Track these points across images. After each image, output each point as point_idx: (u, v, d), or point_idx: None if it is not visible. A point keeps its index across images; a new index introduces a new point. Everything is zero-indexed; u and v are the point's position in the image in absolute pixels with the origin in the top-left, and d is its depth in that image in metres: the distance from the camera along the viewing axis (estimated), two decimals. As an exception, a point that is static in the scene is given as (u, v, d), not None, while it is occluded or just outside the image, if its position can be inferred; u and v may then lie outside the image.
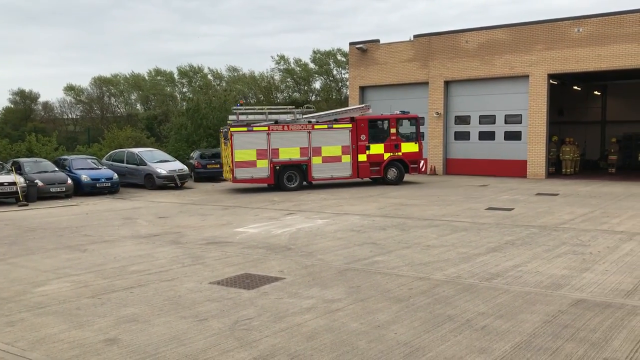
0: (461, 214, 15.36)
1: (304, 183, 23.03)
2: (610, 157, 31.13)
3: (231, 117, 23.07)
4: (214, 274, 8.99)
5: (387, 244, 11.19)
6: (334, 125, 23.27)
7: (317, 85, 58.99)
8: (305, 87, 58.70)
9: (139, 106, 65.07)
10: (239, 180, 21.73)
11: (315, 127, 22.78)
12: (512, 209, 16.27)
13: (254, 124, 22.42)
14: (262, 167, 21.89)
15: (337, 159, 23.00)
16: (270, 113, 23.67)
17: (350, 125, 23.36)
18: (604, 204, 17.29)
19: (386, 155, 23.82)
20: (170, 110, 53.53)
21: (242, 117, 22.96)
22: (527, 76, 28.28)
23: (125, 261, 10.06)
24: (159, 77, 64.69)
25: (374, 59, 33.31)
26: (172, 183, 25.13)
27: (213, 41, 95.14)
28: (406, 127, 24.93)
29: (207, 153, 30.61)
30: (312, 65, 58.27)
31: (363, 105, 25.82)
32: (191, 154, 31.83)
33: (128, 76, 64.82)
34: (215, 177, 29.26)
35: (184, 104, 50.93)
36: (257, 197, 20.93)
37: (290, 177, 22.42)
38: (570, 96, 35.11)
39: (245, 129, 21.78)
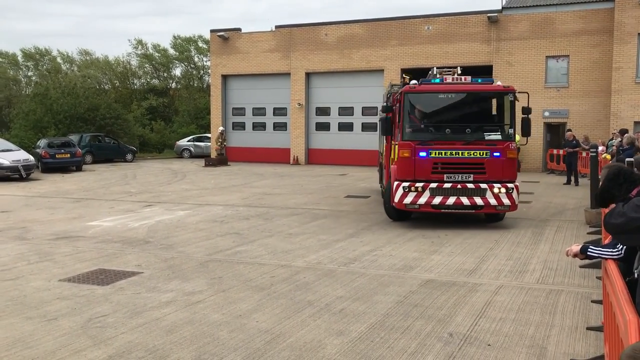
0: (322, 202, 15.78)
1: None
2: None
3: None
4: (64, 270, 8.43)
5: (250, 234, 11.21)
6: None
7: (177, 72, 57.30)
8: (165, 74, 56.74)
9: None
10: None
11: None
12: (369, 196, 17.01)
13: None
14: None
15: None
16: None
17: None
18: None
19: None
20: (14, 95, 49.21)
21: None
22: (382, 70, 29.64)
23: (-40, 261, 9.11)
24: (0, 59, 59.04)
25: (236, 47, 33.05)
26: (16, 174, 23.13)
27: (64, 21, 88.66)
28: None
29: (55, 142, 28.54)
30: (172, 51, 56.50)
31: None
32: (37, 143, 29.48)
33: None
34: (65, 167, 27.39)
35: (30, 88, 47.06)
36: (112, 188, 19.92)
37: None
38: (421, 90, 37.34)
39: None
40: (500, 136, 11.72)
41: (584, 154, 21.97)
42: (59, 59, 59.08)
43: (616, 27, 24.83)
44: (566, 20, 26.88)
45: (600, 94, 26.24)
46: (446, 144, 11.61)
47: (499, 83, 12.06)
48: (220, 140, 30.93)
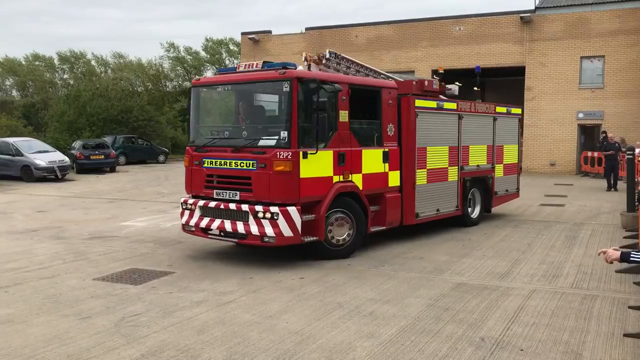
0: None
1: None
2: None
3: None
4: (98, 269, 8.59)
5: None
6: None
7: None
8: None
9: (14, 93, 60.53)
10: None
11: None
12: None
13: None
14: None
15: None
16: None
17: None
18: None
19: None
20: (50, 97, 50.37)
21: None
22: (413, 71, 29.46)
23: (-2, 259, 9.35)
24: (37, 62, 60.50)
25: (267, 50, 33.24)
26: (52, 175, 23.68)
27: (100, 25, 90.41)
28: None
29: (90, 143, 29.14)
30: (203, 54, 57.18)
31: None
32: (72, 144, 30.13)
33: (2, 60, 60.03)
34: (99, 168, 27.92)
35: (66, 91, 48.12)
36: (145, 189, 20.23)
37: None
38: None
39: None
40: (275, 142, 8.60)
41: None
42: (93, 62, 60.37)
43: (654, 26, 24.25)
44: (602, 20, 26.34)
45: (636, 95, 25.65)
46: (218, 150, 9.19)
47: (300, 68, 9.06)
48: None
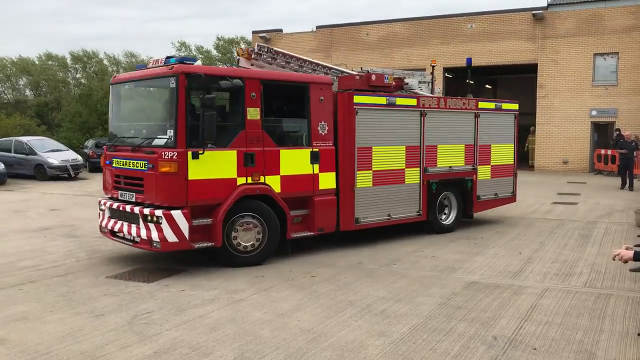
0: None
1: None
2: None
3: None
4: (111, 267, 8.64)
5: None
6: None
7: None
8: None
9: (28, 92, 60.99)
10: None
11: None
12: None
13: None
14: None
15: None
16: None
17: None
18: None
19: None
20: (63, 97, 50.74)
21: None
22: (424, 69, 29.31)
23: (13, 257, 9.44)
24: (50, 62, 60.92)
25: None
26: (65, 174, 23.87)
27: (113, 25, 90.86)
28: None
29: (102, 142, 29.29)
30: (215, 53, 57.30)
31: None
32: (85, 143, 30.34)
33: (15, 60, 60.53)
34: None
35: (78, 90, 48.47)
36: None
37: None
38: (464, 90, 36.82)
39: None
40: (164, 141, 8.15)
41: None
42: (105, 61, 60.63)
43: (669, 22, 24.00)
44: (616, 16, 26.09)
45: (651, 92, 25.39)
46: (123, 150, 8.89)
47: (198, 63, 8.47)
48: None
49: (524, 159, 30.58)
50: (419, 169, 10.78)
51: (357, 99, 9.76)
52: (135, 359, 5.19)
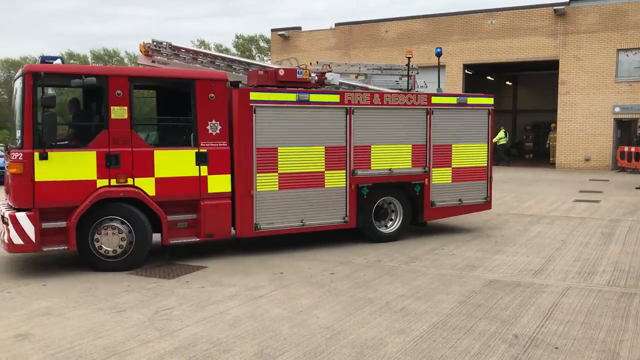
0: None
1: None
2: (526, 144, 32.92)
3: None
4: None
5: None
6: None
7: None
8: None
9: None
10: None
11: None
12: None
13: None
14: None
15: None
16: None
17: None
18: (514, 188, 18.20)
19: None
20: (85, 95, 51.34)
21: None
22: (444, 66, 29.18)
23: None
24: (72, 61, 61.80)
25: (296, 46, 33.29)
26: None
27: (134, 24, 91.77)
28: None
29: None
30: (234, 51, 57.58)
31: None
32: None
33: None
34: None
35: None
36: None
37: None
38: (484, 86, 36.57)
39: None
40: (18, 142, 8.00)
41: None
42: (126, 60, 61.32)
43: (694, 17, 23.54)
44: (639, 11, 25.66)
45: (676, 88, 24.95)
46: (9, 151, 8.73)
47: (58, 62, 8.39)
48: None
49: (545, 156, 30.33)
50: (344, 171, 9.75)
51: (255, 96, 8.98)
52: (157, 355, 5.24)
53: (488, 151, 11.22)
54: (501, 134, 29.53)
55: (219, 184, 8.82)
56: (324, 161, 9.59)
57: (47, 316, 6.33)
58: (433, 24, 29.84)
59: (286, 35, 33.29)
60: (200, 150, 8.66)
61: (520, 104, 38.84)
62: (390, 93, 10.41)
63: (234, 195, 8.97)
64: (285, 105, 9.22)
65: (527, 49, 27.78)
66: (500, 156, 29.68)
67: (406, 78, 11.53)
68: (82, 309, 6.58)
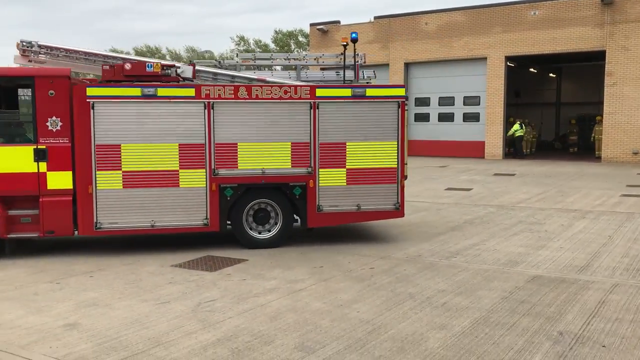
0: (421, 194, 15.57)
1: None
2: (570, 138, 32.12)
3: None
4: (175, 256, 8.89)
5: (350, 224, 11.27)
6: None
7: (277, 67, 58.59)
8: (266, 69, 58.22)
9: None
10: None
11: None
12: (471, 189, 16.58)
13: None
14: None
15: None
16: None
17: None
18: (558, 183, 17.79)
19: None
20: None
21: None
22: (485, 58, 28.71)
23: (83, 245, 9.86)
24: (114, 58, 63.21)
25: (335, 40, 33.21)
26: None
27: (175, 20, 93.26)
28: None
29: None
30: (272, 46, 57.85)
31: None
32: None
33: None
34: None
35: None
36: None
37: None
38: (526, 78, 35.80)
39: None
40: None
41: None
42: (168, 57, 62.29)
43: None
44: (691, -1, 24.69)
45: None
46: None
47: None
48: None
49: (590, 150, 29.51)
50: (204, 170, 9.14)
51: (93, 91, 8.74)
52: (200, 346, 5.33)
53: (399, 150, 9.64)
54: (516, 126, 29.04)
55: (59, 180, 8.81)
56: (177, 159, 9.08)
57: (94, 307, 6.51)
58: (474, 15, 29.33)
59: (325, 30, 33.26)
60: (39, 147, 8.70)
61: (564, 96, 37.89)
62: (272, 85, 9.62)
63: (76, 193, 8.91)
64: (129, 100, 8.84)
65: (571, 39, 27.05)
66: (517, 149, 29.12)
67: (347, 71, 11.01)
68: (128, 300, 6.75)
